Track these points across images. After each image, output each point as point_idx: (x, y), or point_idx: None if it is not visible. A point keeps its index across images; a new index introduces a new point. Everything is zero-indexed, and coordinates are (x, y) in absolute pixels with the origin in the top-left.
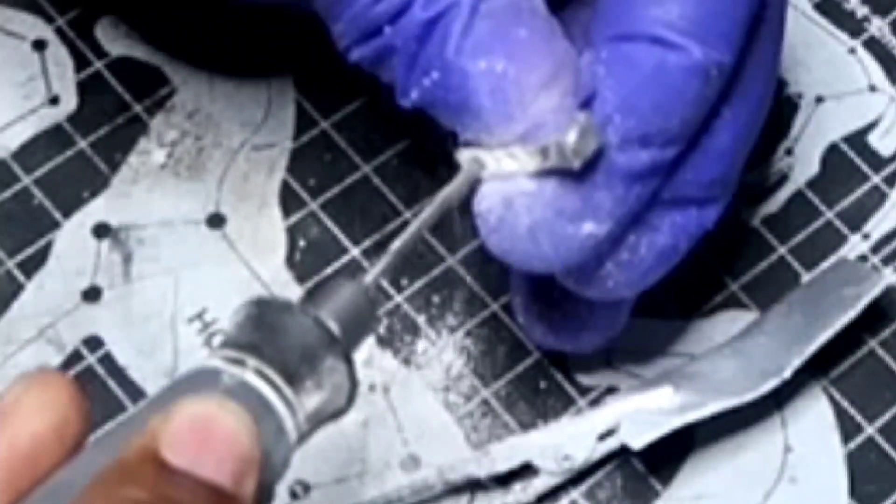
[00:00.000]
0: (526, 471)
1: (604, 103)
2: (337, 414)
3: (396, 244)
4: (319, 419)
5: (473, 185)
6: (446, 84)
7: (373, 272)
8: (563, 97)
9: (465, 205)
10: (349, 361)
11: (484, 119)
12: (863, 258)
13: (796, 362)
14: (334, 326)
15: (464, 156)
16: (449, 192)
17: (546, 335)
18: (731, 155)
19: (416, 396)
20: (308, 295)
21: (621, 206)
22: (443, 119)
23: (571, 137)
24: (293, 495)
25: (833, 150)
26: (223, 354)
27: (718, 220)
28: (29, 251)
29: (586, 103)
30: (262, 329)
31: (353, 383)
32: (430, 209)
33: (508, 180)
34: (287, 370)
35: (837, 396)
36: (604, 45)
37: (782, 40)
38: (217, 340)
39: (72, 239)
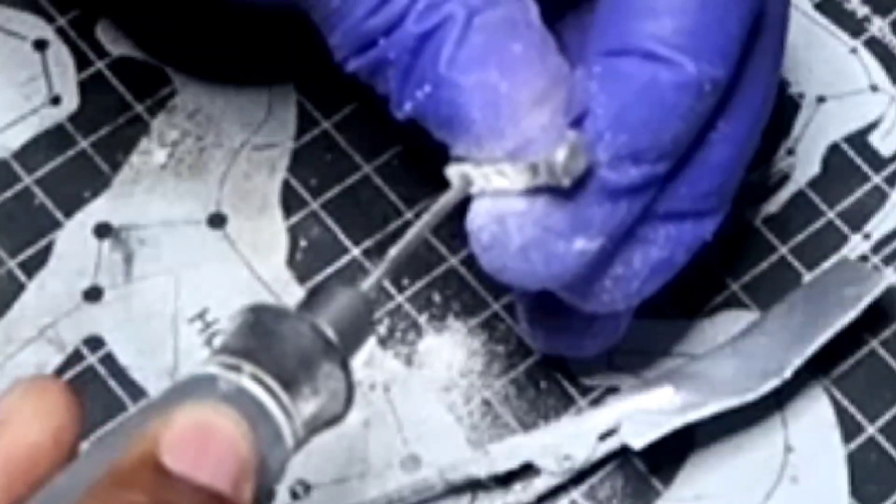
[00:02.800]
0: (526, 471)
1: (595, 120)
2: (334, 420)
3: (394, 251)
4: (316, 425)
5: (464, 200)
6: (438, 97)
7: (370, 279)
8: (554, 114)
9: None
10: (346, 368)
11: (474, 133)
12: (864, 258)
13: (797, 362)
14: (331, 333)
15: (453, 172)
16: (440, 206)
17: (547, 342)
18: (727, 168)
19: (417, 396)
20: (305, 301)
21: (612, 221)
22: (435, 132)
23: (561, 156)
24: (294, 495)
25: (834, 149)
26: (220, 360)
27: (716, 230)
28: (30, 251)
29: (578, 120)
30: (258, 335)
31: (350, 390)
32: (424, 219)
33: (499, 198)
34: (284, 376)
35: (838, 396)
36: (597, 59)
37: (783, 52)
38: (218, 340)
39: (73, 239)
